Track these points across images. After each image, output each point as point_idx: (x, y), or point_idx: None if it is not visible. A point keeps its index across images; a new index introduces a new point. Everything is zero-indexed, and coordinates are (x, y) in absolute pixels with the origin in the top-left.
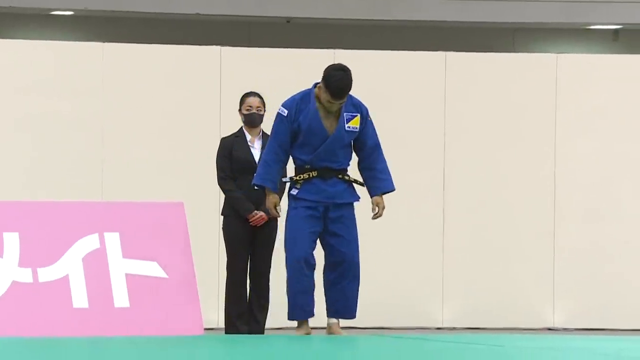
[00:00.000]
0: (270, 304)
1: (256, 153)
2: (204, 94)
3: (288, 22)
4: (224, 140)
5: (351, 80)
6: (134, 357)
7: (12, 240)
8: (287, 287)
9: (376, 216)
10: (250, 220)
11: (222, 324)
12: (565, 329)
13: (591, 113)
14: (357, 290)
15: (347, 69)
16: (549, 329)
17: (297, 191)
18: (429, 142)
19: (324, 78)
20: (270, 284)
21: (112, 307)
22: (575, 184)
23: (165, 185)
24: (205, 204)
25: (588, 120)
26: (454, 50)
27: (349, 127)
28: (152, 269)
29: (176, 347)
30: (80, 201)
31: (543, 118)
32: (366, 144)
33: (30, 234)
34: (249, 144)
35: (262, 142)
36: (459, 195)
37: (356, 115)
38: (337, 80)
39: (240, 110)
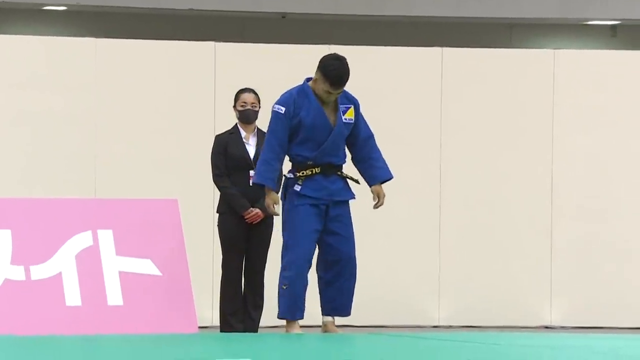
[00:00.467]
0: (265, 302)
1: (251, 150)
2: (198, 90)
3: (283, 17)
4: (218, 137)
5: (349, 69)
6: (128, 356)
7: (4, 237)
8: (286, 285)
9: (377, 205)
10: (245, 218)
11: (216, 322)
12: (562, 327)
13: (589, 109)
14: (354, 288)
15: (343, 57)
16: (546, 327)
17: (300, 187)
18: (425, 139)
19: (320, 68)
20: (265, 281)
21: (106, 305)
22: (573, 181)
23: (159, 182)
24: (200, 201)
25: (586, 117)
26: (450, 46)
27: (345, 119)
28: (145, 266)
29: (170, 346)
30: (73, 198)
31: (540, 114)
32: (359, 136)
33: (22, 231)
34: (244, 140)
35: (257, 138)
36: (455, 192)
37: (350, 107)
38: (336, 69)
39: (234, 106)
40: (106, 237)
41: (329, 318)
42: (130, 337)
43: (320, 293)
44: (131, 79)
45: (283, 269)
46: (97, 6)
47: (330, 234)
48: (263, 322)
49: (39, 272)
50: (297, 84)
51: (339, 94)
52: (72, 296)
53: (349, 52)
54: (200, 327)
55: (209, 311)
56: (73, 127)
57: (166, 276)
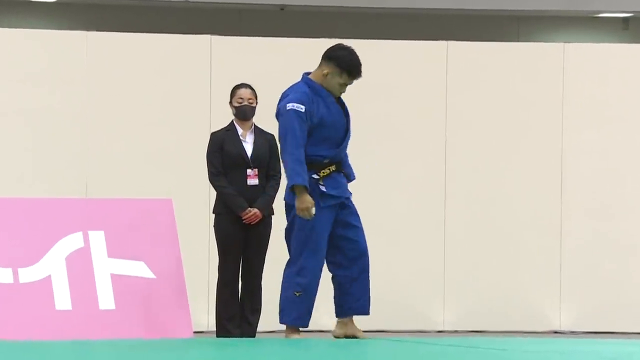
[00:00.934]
0: (263, 306)
1: (248, 147)
2: (193, 86)
3: (282, 9)
4: (214, 135)
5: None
6: None
7: None
8: (300, 292)
9: None
10: (243, 218)
11: (212, 327)
12: (572, 332)
13: (600, 104)
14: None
15: (349, 46)
16: (555, 332)
17: (324, 187)
18: (430, 135)
19: (332, 61)
20: (263, 285)
21: (97, 309)
22: (583, 179)
23: (153, 181)
24: (195, 200)
25: (596, 112)
26: (456, 40)
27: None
28: (138, 269)
29: (164, 351)
30: (63, 198)
31: (549, 110)
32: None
33: (10, 232)
34: (241, 138)
35: (254, 135)
36: (461, 191)
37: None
38: (350, 59)
39: (231, 102)
40: (97, 239)
41: (353, 324)
42: (122, 342)
43: (342, 293)
44: (124, 74)
45: (296, 274)
46: None
47: (350, 228)
48: (261, 327)
49: (28, 274)
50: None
51: (351, 84)
52: (62, 300)
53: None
54: (195, 332)
55: (205, 316)
56: (63, 123)
57: (160, 279)
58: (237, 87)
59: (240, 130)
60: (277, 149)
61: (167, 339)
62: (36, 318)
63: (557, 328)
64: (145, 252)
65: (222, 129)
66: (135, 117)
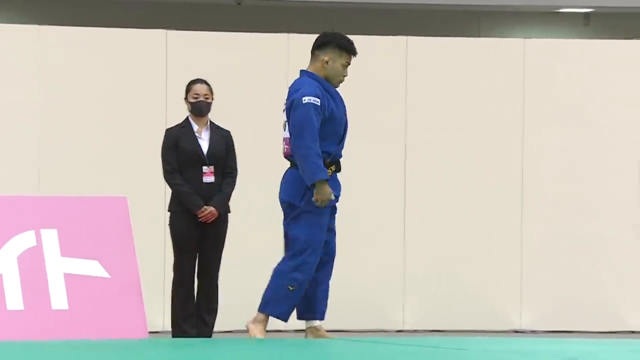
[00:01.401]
0: (219, 305)
1: (204, 144)
2: (148, 81)
3: (238, 4)
4: (169, 132)
5: None
6: None
7: None
8: (294, 287)
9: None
10: (199, 217)
11: (168, 327)
12: (532, 332)
13: (561, 100)
14: None
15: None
16: (516, 332)
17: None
18: (389, 132)
19: (326, 46)
20: (219, 283)
21: (50, 309)
22: (544, 178)
23: (107, 179)
24: (150, 198)
25: (558, 109)
26: (416, 35)
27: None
28: (92, 268)
29: (119, 352)
30: (14, 195)
31: (510, 106)
32: None
33: None
34: (196, 134)
35: (210, 132)
36: (421, 189)
37: None
38: (343, 37)
39: (186, 98)
40: (50, 237)
41: (318, 323)
42: (75, 343)
43: (311, 296)
44: (77, 69)
45: (295, 269)
46: None
47: (330, 231)
48: (217, 327)
49: None
50: (253, 75)
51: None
52: (14, 300)
53: (310, 41)
54: (150, 333)
55: (160, 316)
56: (15, 119)
57: (114, 278)
58: (192, 83)
59: (195, 127)
60: (234, 145)
61: (122, 339)
62: None
63: (517, 327)
64: (100, 251)
65: (177, 126)
66: (88, 113)
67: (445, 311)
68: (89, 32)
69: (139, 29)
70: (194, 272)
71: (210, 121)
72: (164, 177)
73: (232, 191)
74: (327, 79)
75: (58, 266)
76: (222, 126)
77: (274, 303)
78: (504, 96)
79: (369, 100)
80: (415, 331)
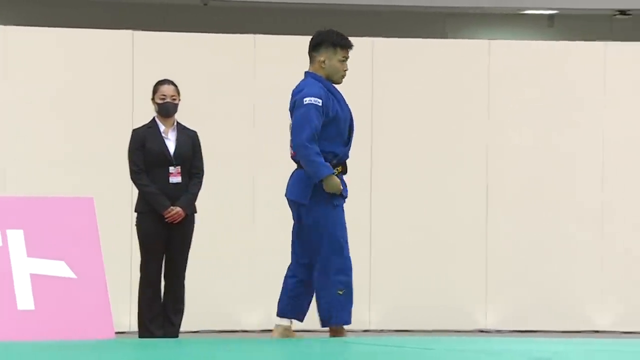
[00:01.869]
0: (186, 306)
1: (171, 145)
2: (115, 82)
3: (205, 5)
4: (135, 132)
5: None
6: None
7: None
8: (342, 290)
9: None
10: (166, 217)
11: (134, 328)
12: (498, 331)
13: (525, 101)
14: None
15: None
16: (481, 331)
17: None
18: (355, 133)
19: (320, 46)
20: (186, 284)
21: (15, 310)
22: (509, 178)
23: (74, 180)
24: (117, 199)
25: (522, 109)
26: (382, 36)
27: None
28: (59, 268)
29: (85, 352)
30: None
31: (476, 107)
32: None
33: None
34: (163, 135)
35: (177, 133)
36: (387, 190)
37: None
38: (334, 32)
39: (153, 99)
40: (16, 238)
41: (288, 322)
42: (42, 344)
43: (297, 297)
44: (43, 70)
45: (338, 272)
46: None
47: None
48: (184, 327)
49: None
50: (220, 76)
51: (348, 58)
52: None
53: (275, 42)
54: (117, 333)
55: (127, 316)
56: None
57: (81, 279)
58: (159, 84)
59: (162, 127)
60: (200, 146)
61: (88, 340)
62: None
63: (483, 327)
64: (66, 251)
65: (143, 126)
66: (55, 114)
67: (411, 311)
68: (55, 32)
69: (105, 30)
70: (161, 273)
71: (177, 122)
72: (131, 177)
73: (198, 191)
74: (328, 78)
75: (24, 266)
76: (188, 127)
77: (334, 313)
78: (470, 96)
79: None
80: (381, 331)
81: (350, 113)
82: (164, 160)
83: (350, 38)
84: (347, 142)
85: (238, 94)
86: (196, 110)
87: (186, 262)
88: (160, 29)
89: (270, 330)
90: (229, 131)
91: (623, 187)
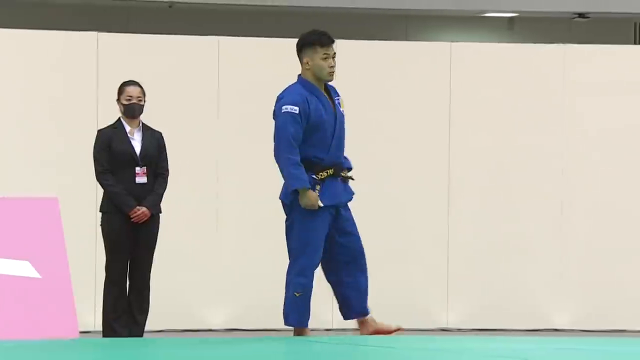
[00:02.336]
0: (150, 305)
1: (136, 145)
2: (79, 83)
3: (170, 7)
4: (101, 132)
5: None
6: None
7: None
8: (300, 292)
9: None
10: (132, 217)
11: (99, 327)
12: (459, 330)
13: (486, 103)
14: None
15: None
16: (443, 330)
17: (320, 200)
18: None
19: (302, 48)
20: (150, 284)
21: None
22: (470, 179)
23: (38, 179)
24: (82, 199)
25: (483, 111)
26: (344, 38)
27: (342, 110)
28: (23, 268)
29: (49, 352)
30: None
31: (437, 108)
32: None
33: None
34: (129, 135)
35: (142, 133)
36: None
37: (340, 98)
38: (310, 32)
39: (118, 100)
40: None
41: (368, 316)
42: (5, 343)
43: (342, 295)
44: (7, 71)
45: (297, 274)
46: None
47: (344, 235)
48: (148, 326)
49: None
50: (185, 77)
51: (334, 55)
52: None
53: (239, 45)
54: (81, 332)
55: (91, 316)
56: None
57: (45, 279)
58: (125, 85)
59: (127, 128)
60: (165, 147)
61: (52, 339)
62: None
63: (444, 326)
64: (30, 251)
65: (109, 126)
66: (19, 114)
67: (373, 310)
68: (20, 34)
69: (70, 31)
70: (126, 272)
71: (142, 122)
72: (96, 177)
73: (164, 192)
74: (317, 79)
75: None
76: (153, 127)
77: (289, 313)
78: (431, 98)
79: None
80: (343, 330)
81: (338, 115)
82: (130, 160)
83: None
84: (329, 144)
85: (202, 95)
86: (160, 111)
87: (151, 262)
88: (125, 31)
89: (235, 329)
90: (193, 132)
91: (583, 187)
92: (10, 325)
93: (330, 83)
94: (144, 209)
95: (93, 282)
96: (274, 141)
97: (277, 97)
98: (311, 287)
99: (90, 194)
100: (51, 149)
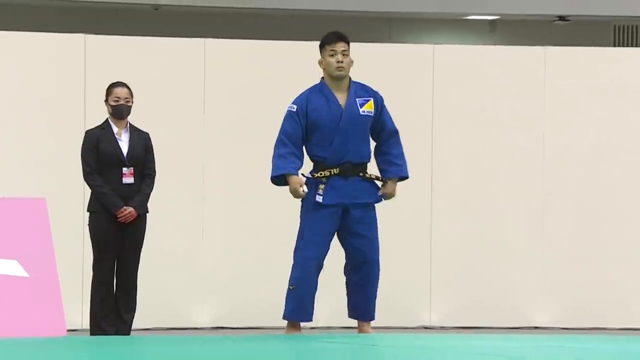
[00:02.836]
0: (137, 304)
1: (124, 146)
2: (67, 84)
3: (156, 9)
4: (89, 133)
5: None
6: None
7: None
8: (293, 286)
9: (385, 197)
10: (118, 217)
11: (86, 326)
12: (442, 328)
13: (468, 104)
14: (377, 291)
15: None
16: (425, 328)
17: (321, 197)
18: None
19: (319, 46)
20: (138, 282)
21: None
22: (452, 178)
23: (26, 180)
24: (69, 199)
25: (465, 112)
26: None
27: (363, 111)
28: (11, 267)
29: (37, 350)
30: None
31: (420, 110)
32: (383, 131)
33: None
34: (116, 136)
35: (130, 134)
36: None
37: (369, 100)
38: (328, 33)
39: (106, 101)
40: None
41: (366, 323)
42: None
43: (348, 295)
44: None
45: (293, 268)
46: None
47: (354, 236)
48: (135, 324)
49: None
50: (171, 79)
51: (344, 51)
52: None
53: (225, 46)
54: (69, 331)
55: (79, 314)
56: None
57: (33, 278)
58: (113, 86)
59: (115, 129)
60: (152, 147)
61: (40, 337)
62: None
63: (427, 324)
64: (19, 250)
65: (96, 127)
66: (8, 115)
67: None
68: (7, 36)
69: (58, 33)
70: (113, 271)
71: (130, 123)
72: (84, 177)
73: (150, 192)
74: (331, 77)
75: None
76: (140, 128)
77: (285, 306)
78: (414, 99)
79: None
80: (328, 328)
81: (347, 115)
82: (118, 161)
83: (297, 42)
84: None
85: (188, 96)
86: (147, 112)
87: (138, 261)
88: (112, 33)
89: (221, 328)
90: (179, 133)
91: (563, 187)
92: None
93: (364, 83)
94: (131, 209)
95: (80, 281)
96: None
97: None
98: (307, 282)
99: (77, 194)
100: (39, 150)
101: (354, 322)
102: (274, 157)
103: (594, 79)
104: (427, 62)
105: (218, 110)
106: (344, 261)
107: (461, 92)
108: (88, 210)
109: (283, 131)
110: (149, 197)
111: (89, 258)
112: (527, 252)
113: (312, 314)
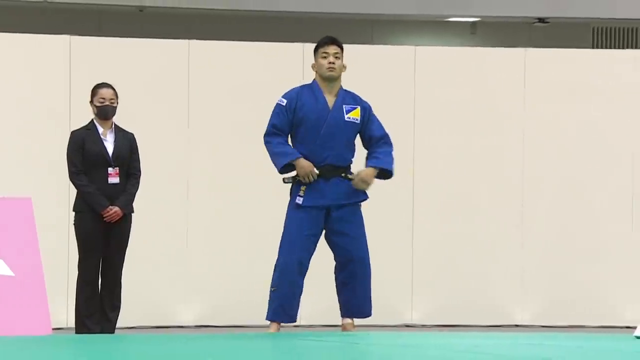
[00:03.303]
0: (122, 302)
1: (109, 146)
2: (52, 85)
3: (141, 11)
4: (74, 133)
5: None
6: None
7: None
8: (274, 288)
9: (353, 180)
10: (104, 216)
11: (71, 324)
12: (423, 326)
13: (449, 106)
14: (369, 289)
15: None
16: (407, 326)
17: (302, 199)
18: None
19: (314, 49)
20: (122, 281)
21: None
22: (433, 178)
23: (12, 180)
24: (55, 199)
25: (446, 114)
26: (311, 42)
27: (349, 118)
28: None
29: (22, 349)
30: None
31: (401, 112)
32: (372, 137)
33: None
34: (102, 137)
35: (115, 134)
36: None
37: (356, 108)
38: (322, 37)
39: (92, 101)
40: None
41: (348, 320)
42: None
43: (337, 294)
44: None
45: (273, 271)
46: None
47: (337, 235)
48: (120, 323)
49: None
50: (155, 80)
51: (337, 54)
52: None
53: (209, 48)
54: (54, 329)
55: (64, 313)
56: None
57: (19, 276)
58: (98, 87)
59: (100, 129)
60: (137, 148)
61: (26, 336)
62: None
63: (408, 322)
64: (4, 250)
65: (82, 128)
66: None
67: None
68: None
69: (42, 35)
70: (98, 271)
71: (115, 124)
72: (70, 178)
73: (136, 192)
74: (322, 79)
75: None
76: (125, 129)
77: (268, 306)
78: (396, 101)
79: (266, 107)
80: (310, 326)
81: (333, 118)
82: (103, 161)
83: (281, 43)
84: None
85: (173, 97)
86: (132, 113)
87: (123, 260)
88: (97, 35)
89: (205, 326)
90: (164, 133)
91: (542, 187)
92: None
93: (353, 91)
94: (116, 208)
95: (66, 280)
96: None
97: None
98: (288, 284)
99: (63, 193)
100: (25, 150)
101: (335, 320)
102: (272, 147)
103: (573, 80)
104: (409, 64)
105: (202, 111)
106: (328, 261)
107: (442, 93)
108: (74, 210)
109: (272, 124)
110: (134, 196)
111: (74, 257)
112: (507, 251)
113: (294, 315)
